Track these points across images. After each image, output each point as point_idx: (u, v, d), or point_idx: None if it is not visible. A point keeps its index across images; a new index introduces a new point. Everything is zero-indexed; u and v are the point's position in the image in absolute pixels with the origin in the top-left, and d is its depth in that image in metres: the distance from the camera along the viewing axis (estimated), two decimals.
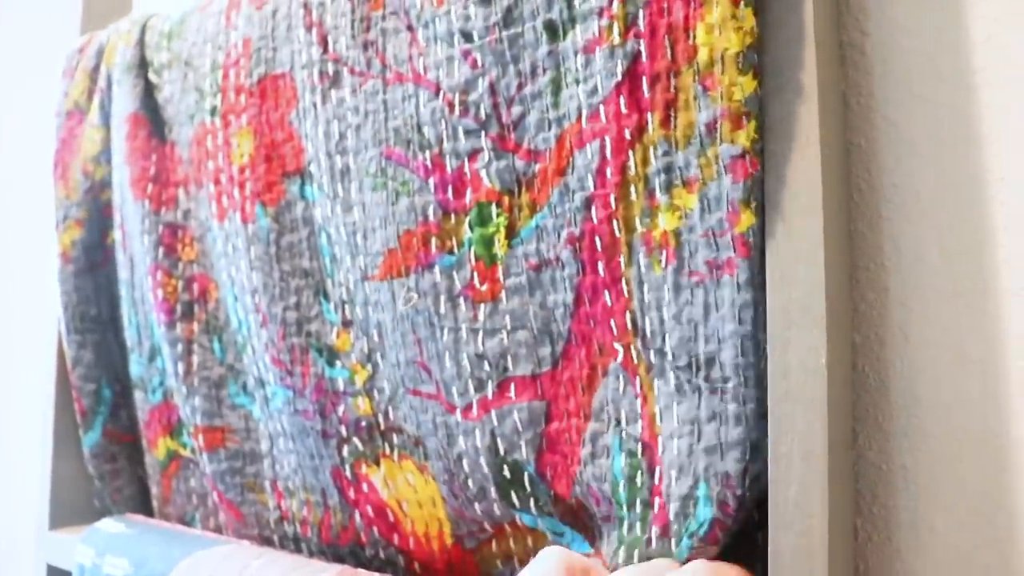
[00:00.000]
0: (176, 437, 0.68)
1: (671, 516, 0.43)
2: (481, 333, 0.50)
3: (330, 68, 0.55)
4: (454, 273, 0.50)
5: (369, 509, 0.57)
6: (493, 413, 0.49)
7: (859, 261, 0.43)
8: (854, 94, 0.43)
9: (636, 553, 0.44)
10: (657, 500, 0.44)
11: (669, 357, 0.43)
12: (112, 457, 0.72)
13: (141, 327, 0.68)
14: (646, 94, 0.43)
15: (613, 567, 0.45)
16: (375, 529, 0.57)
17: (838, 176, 0.41)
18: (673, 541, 0.43)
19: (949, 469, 0.41)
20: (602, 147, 0.44)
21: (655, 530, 0.43)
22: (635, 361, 0.45)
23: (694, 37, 0.41)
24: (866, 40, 0.43)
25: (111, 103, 0.68)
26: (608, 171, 0.44)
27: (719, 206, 0.41)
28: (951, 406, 0.41)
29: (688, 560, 0.42)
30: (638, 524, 0.44)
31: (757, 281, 0.41)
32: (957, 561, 0.41)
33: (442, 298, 0.51)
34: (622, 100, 0.43)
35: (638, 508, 0.45)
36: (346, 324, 0.56)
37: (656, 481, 0.44)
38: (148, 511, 0.72)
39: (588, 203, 0.45)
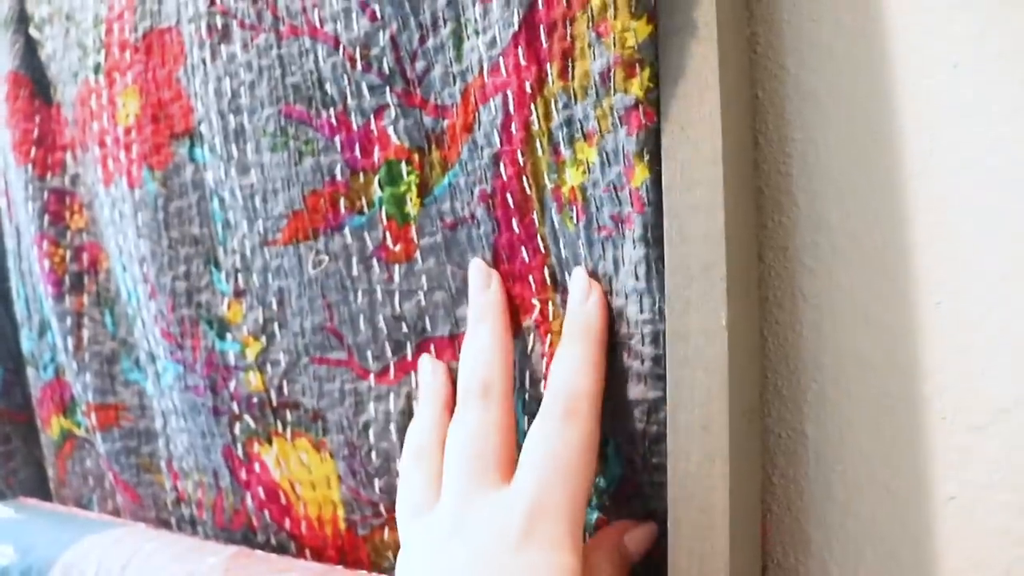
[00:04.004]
0: (70, 416, 0.64)
1: None
2: (397, 294, 0.47)
3: (218, 21, 0.51)
4: (365, 234, 0.48)
5: (261, 491, 0.54)
6: (412, 375, 0.48)
7: (757, 218, 0.41)
8: (753, 43, 0.41)
9: None
10: None
11: None
12: (5, 438, 0.68)
13: (30, 300, 0.65)
14: (544, 44, 0.40)
15: None
16: (267, 512, 0.54)
17: (742, 125, 0.39)
18: None
19: (851, 437, 0.39)
20: (505, 101, 0.42)
21: None
22: (550, 318, 0.43)
23: None
24: None
25: None
26: (513, 126, 0.42)
27: (617, 159, 0.39)
28: (853, 371, 0.39)
29: (598, 520, 0.41)
30: None
31: (654, 236, 0.38)
32: (857, 531, 0.39)
33: (354, 260, 0.48)
34: (520, 51, 0.41)
35: None
36: (238, 294, 0.53)
37: None
38: (46, 494, 0.69)
39: (496, 160, 0.43)
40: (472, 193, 0.45)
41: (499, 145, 0.43)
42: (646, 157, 0.38)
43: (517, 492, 0.37)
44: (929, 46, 0.36)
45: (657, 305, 0.39)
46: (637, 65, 0.37)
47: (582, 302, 0.40)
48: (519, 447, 0.40)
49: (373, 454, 0.49)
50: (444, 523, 0.38)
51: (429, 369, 0.46)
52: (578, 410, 0.38)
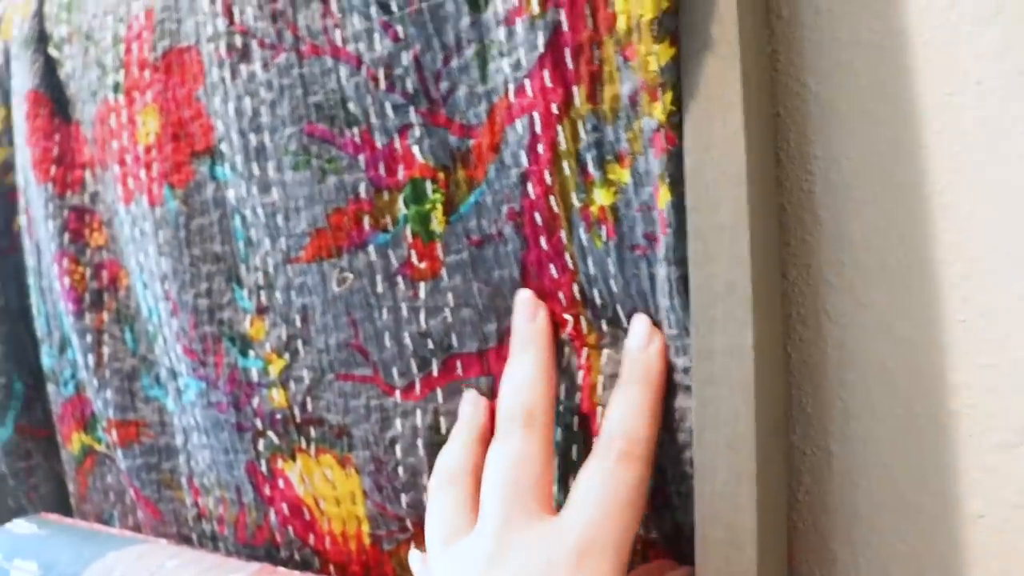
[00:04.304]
0: (90, 432, 0.64)
1: None
2: (423, 311, 0.48)
3: (238, 41, 0.51)
4: (390, 251, 0.48)
5: (284, 507, 0.54)
6: (439, 391, 0.48)
7: (780, 236, 0.41)
8: (773, 60, 0.41)
9: None
10: None
11: (623, 325, 0.42)
12: (26, 454, 0.69)
13: (50, 317, 0.65)
14: (570, 66, 0.40)
15: None
16: (291, 528, 0.54)
17: (764, 144, 0.39)
18: None
19: (875, 454, 0.39)
20: (531, 122, 0.42)
21: None
22: (584, 332, 0.44)
23: (613, 3, 0.39)
24: (783, 3, 0.40)
25: (10, 80, 0.64)
26: (540, 147, 0.42)
27: (649, 180, 0.39)
28: (878, 388, 0.39)
29: None
30: None
31: (675, 257, 0.38)
32: (883, 548, 0.39)
33: (378, 277, 0.49)
34: (546, 74, 0.41)
35: (569, 483, 0.43)
36: (261, 311, 0.53)
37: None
38: (66, 510, 0.69)
39: (524, 179, 0.43)
40: (500, 211, 0.45)
41: (526, 164, 0.43)
42: (667, 180, 0.38)
43: (568, 525, 0.38)
44: (953, 62, 0.36)
45: (682, 322, 0.39)
46: (659, 89, 0.37)
47: (643, 348, 0.40)
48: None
49: (400, 469, 0.49)
50: (484, 548, 0.38)
51: (472, 400, 0.46)
52: (635, 454, 0.39)
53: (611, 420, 0.40)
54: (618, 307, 0.42)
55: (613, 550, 0.37)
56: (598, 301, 0.43)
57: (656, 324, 0.41)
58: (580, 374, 0.44)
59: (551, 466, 0.41)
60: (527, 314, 0.44)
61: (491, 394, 0.47)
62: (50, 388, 0.67)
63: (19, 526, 0.63)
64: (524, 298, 0.45)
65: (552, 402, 0.42)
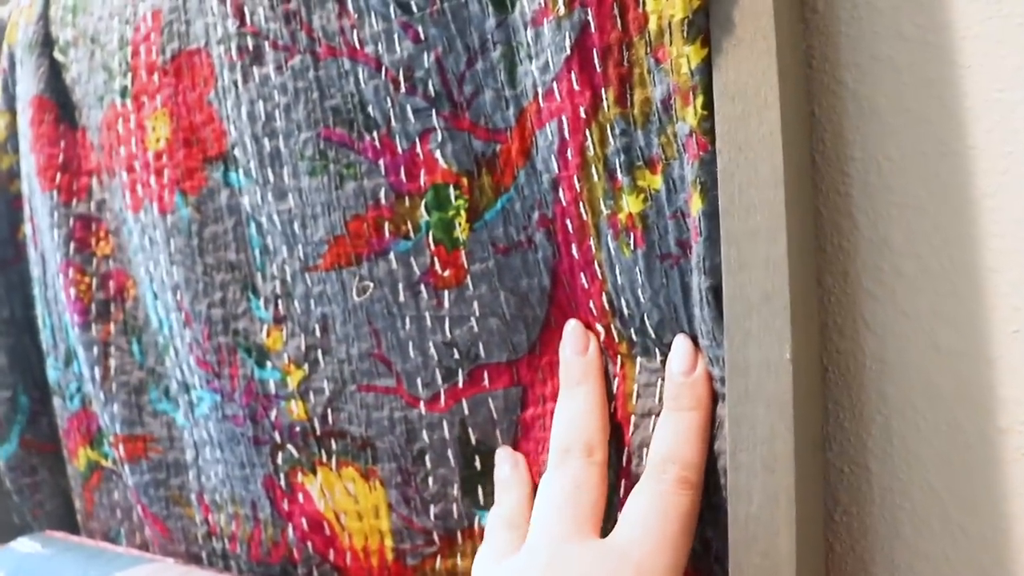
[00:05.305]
0: (96, 447, 0.63)
1: None
2: (448, 320, 0.46)
3: (249, 42, 0.50)
4: (411, 259, 0.47)
5: (304, 522, 0.53)
6: (464, 402, 0.47)
7: (816, 242, 0.39)
8: (808, 56, 0.39)
9: None
10: (623, 483, 0.41)
11: (652, 335, 0.41)
12: (32, 469, 0.67)
13: (56, 329, 0.63)
14: (598, 69, 0.39)
15: None
16: (310, 544, 0.53)
17: (800, 145, 0.37)
18: None
19: (918, 473, 0.37)
20: (560, 127, 0.41)
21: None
22: (616, 340, 0.42)
23: (643, 3, 0.37)
24: None
25: (15, 85, 0.63)
26: (568, 152, 0.41)
27: (683, 186, 0.38)
28: (921, 403, 0.37)
29: None
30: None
31: (706, 266, 0.37)
32: (927, 573, 0.37)
33: (400, 285, 0.47)
34: (573, 76, 0.40)
35: None
36: (278, 321, 0.52)
37: (624, 463, 0.42)
38: (73, 527, 0.67)
39: (556, 185, 0.42)
40: (529, 218, 0.44)
41: (557, 170, 0.42)
42: (699, 186, 0.36)
43: (626, 547, 0.38)
44: (1003, 56, 0.35)
45: (712, 333, 0.37)
46: (691, 92, 0.36)
47: (687, 372, 0.39)
48: None
49: (430, 480, 0.48)
50: (537, 559, 0.39)
51: (510, 457, 0.46)
52: (690, 480, 0.38)
53: (663, 445, 0.39)
54: (646, 317, 0.41)
55: (669, 574, 0.37)
56: (625, 311, 0.41)
57: (689, 335, 0.40)
58: (616, 382, 0.43)
59: (605, 495, 0.41)
60: (578, 346, 0.44)
61: (522, 405, 0.46)
62: (56, 402, 0.65)
63: (23, 545, 0.62)
64: (573, 329, 0.44)
65: (607, 433, 0.42)
